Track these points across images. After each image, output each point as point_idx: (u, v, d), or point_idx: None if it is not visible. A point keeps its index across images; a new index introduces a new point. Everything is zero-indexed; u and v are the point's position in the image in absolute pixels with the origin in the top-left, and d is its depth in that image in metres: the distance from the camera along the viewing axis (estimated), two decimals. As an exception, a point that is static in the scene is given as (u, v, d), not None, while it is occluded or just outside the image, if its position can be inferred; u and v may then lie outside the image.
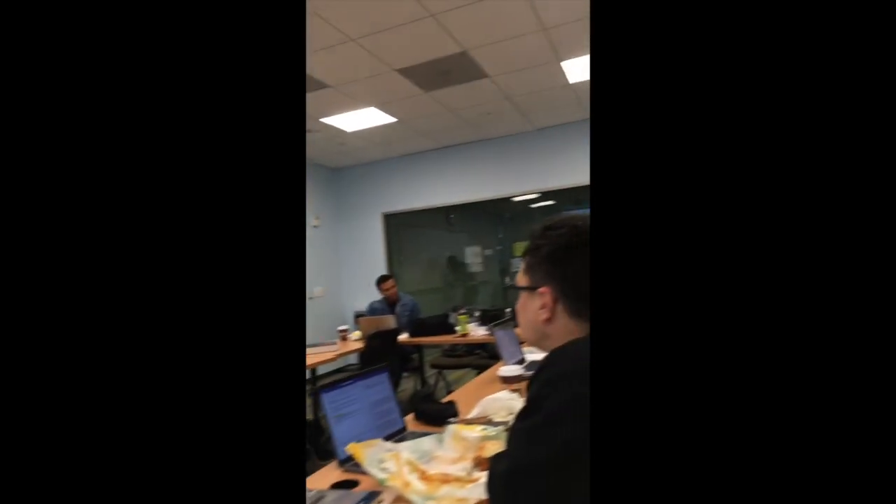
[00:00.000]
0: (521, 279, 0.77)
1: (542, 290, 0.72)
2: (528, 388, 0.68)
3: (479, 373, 2.81)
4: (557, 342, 0.69)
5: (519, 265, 0.79)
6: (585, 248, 0.69)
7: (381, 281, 4.14)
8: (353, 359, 3.66)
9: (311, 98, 3.63)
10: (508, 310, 3.61)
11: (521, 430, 0.65)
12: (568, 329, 0.71)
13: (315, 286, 5.42)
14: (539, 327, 0.73)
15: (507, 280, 5.33)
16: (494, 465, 0.70)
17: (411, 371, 3.90)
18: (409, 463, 0.96)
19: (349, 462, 1.06)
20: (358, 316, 4.36)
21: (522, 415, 0.66)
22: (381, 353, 3.14)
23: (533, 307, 0.74)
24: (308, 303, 5.26)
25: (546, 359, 0.69)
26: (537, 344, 0.76)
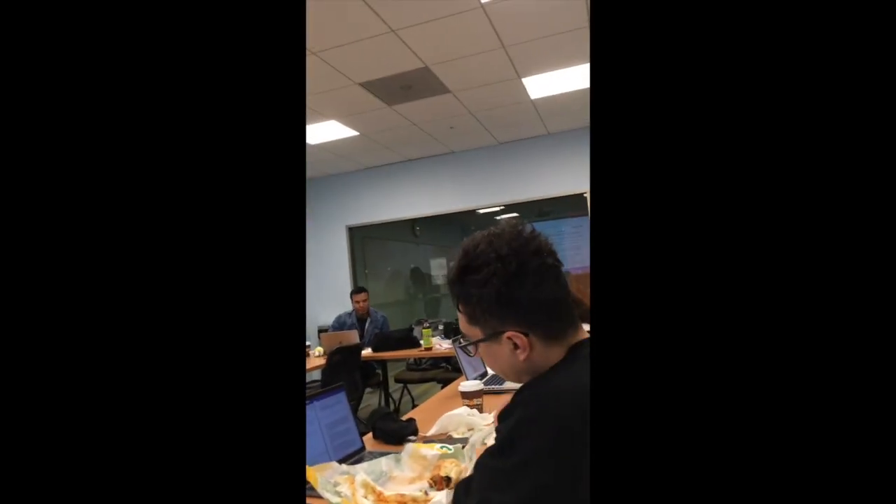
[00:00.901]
0: (471, 331, 0.71)
1: (507, 334, 0.67)
2: (500, 419, 0.66)
3: (444, 386, 2.81)
4: (541, 370, 0.68)
5: None
6: (522, 269, 0.66)
7: (356, 292, 4.10)
8: (316, 375, 3.59)
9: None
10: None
11: (492, 468, 0.63)
12: (546, 355, 0.68)
13: (277, 301, 5.29)
14: (520, 367, 0.69)
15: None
16: (461, 498, 0.68)
17: (375, 386, 3.85)
18: (365, 485, 0.94)
19: (303, 486, 1.03)
20: (321, 331, 4.29)
21: (494, 452, 0.64)
22: (343, 369, 3.10)
23: (504, 353, 0.69)
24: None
25: (520, 395, 0.67)
26: (523, 380, 0.71)
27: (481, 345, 0.71)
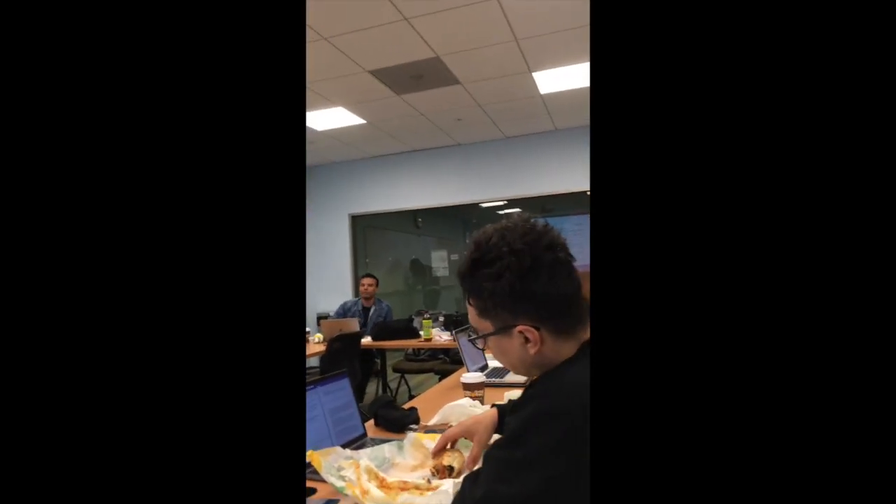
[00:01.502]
0: (482, 324, 0.71)
1: (519, 328, 0.67)
2: (511, 411, 0.66)
3: (441, 378, 2.82)
4: (551, 364, 0.68)
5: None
6: (536, 263, 0.66)
7: (363, 276, 4.15)
8: (314, 362, 3.60)
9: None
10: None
11: (501, 460, 0.64)
12: (556, 349, 0.68)
13: (277, 286, 5.30)
14: (529, 360, 0.69)
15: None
16: (467, 489, 0.68)
17: (373, 375, 3.87)
18: (368, 471, 0.95)
19: (307, 469, 1.04)
20: (321, 318, 4.30)
21: (504, 444, 0.65)
22: (343, 357, 3.10)
23: (514, 347, 0.69)
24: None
25: (533, 389, 0.67)
26: (532, 374, 0.72)
27: (491, 338, 0.71)
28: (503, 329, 0.69)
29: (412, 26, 2.68)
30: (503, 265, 0.66)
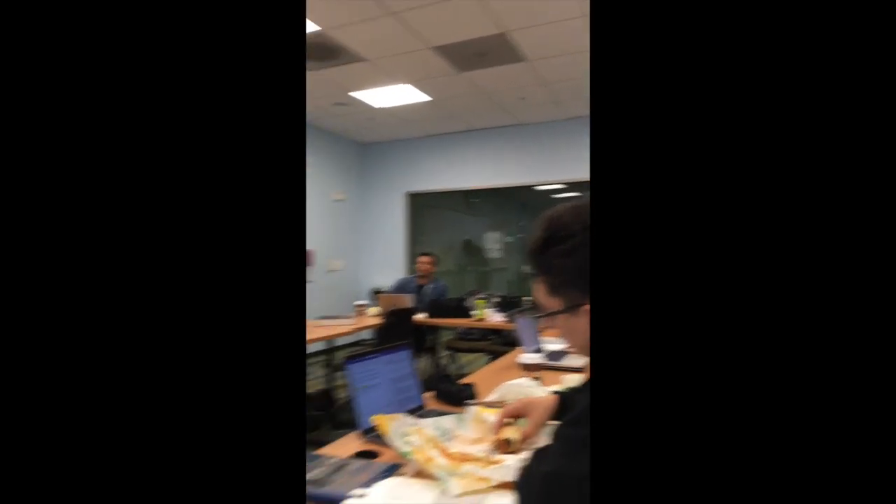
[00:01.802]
0: (551, 302, 0.70)
1: (588, 307, 0.66)
2: (580, 391, 0.66)
3: (491, 358, 2.83)
4: None
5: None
6: None
7: (420, 255, 4.20)
8: (368, 334, 3.71)
9: (344, 71, 3.61)
10: (527, 298, 3.61)
11: (570, 437, 0.64)
12: None
13: (335, 259, 5.47)
14: None
15: (527, 268, 5.32)
16: (535, 463, 0.69)
17: (424, 351, 3.95)
18: (431, 439, 0.97)
19: (371, 433, 1.07)
20: (375, 292, 4.40)
21: (573, 422, 0.65)
22: (398, 331, 3.18)
23: (583, 326, 0.68)
24: (326, 275, 5.32)
25: None
26: None
27: (559, 317, 0.70)
28: (572, 307, 0.68)
29: (480, 0, 2.63)
30: (575, 242, 0.65)
